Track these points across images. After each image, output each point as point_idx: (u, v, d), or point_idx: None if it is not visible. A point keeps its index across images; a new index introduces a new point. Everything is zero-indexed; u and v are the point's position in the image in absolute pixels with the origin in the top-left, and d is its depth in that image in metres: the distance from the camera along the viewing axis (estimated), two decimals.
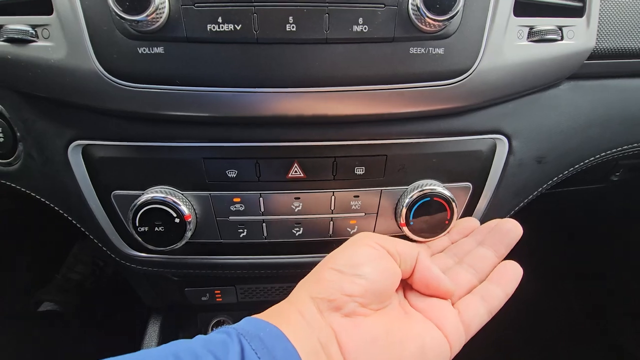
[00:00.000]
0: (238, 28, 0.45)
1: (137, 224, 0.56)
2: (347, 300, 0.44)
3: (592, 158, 0.65)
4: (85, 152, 0.56)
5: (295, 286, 0.48)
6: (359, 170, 0.57)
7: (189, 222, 0.56)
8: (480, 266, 0.52)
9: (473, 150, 0.58)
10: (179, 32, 0.45)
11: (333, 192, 0.59)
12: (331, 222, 0.61)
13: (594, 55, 0.56)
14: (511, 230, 0.53)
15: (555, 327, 1.49)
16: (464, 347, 0.47)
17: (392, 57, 0.48)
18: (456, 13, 0.44)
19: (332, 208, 0.60)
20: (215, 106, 0.49)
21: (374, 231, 0.63)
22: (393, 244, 0.48)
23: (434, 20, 0.44)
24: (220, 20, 0.44)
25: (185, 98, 0.49)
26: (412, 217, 0.59)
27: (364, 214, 0.61)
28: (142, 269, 0.68)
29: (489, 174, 0.61)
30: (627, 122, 0.63)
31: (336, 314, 0.44)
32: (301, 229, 0.61)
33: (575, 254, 1.55)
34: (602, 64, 0.58)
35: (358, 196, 0.59)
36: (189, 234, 0.57)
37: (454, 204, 0.58)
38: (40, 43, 0.48)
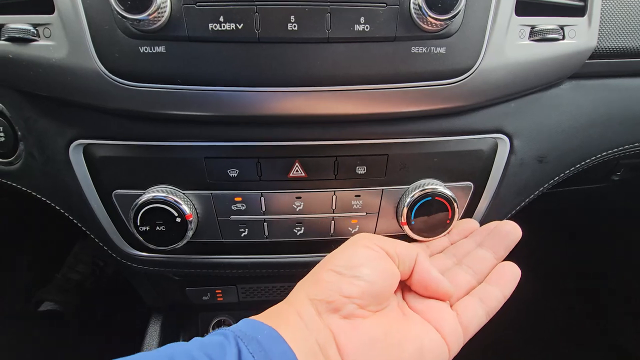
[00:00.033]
0: (240, 27, 0.45)
1: (139, 224, 0.56)
2: (346, 301, 0.43)
3: (594, 157, 0.65)
4: (87, 151, 0.56)
5: (296, 286, 0.48)
6: (360, 170, 0.57)
7: (190, 222, 0.56)
8: (479, 267, 0.52)
9: (474, 149, 0.58)
10: (180, 31, 0.45)
11: (334, 191, 0.59)
12: (332, 222, 0.61)
13: (596, 54, 0.56)
14: (510, 232, 0.54)
15: (556, 327, 1.49)
16: (462, 348, 0.47)
17: (393, 57, 0.48)
18: (458, 12, 0.44)
19: (334, 207, 0.60)
20: (217, 105, 0.49)
21: (375, 230, 0.63)
22: (392, 245, 0.48)
23: (436, 19, 0.44)
24: (221, 19, 0.44)
25: (186, 97, 0.49)
26: (414, 217, 0.59)
27: (365, 213, 0.61)
28: (144, 268, 0.68)
29: (490, 173, 0.61)
30: (628, 122, 0.63)
31: (335, 316, 0.44)
32: (302, 228, 0.61)
33: (576, 253, 1.55)
34: (603, 63, 0.58)
35: (359, 195, 0.59)
36: (190, 233, 0.57)
37: (455, 203, 0.58)
38: (41, 42, 0.48)
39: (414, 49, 0.48)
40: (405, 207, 0.58)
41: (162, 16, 0.44)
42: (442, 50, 0.48)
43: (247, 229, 0.61)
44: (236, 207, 0.59)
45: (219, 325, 0.93)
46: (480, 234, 0.57)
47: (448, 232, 0.60)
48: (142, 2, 0.42)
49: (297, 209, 0.59)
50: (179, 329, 0.94)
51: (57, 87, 0.50)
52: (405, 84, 0.50)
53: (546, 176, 0.65)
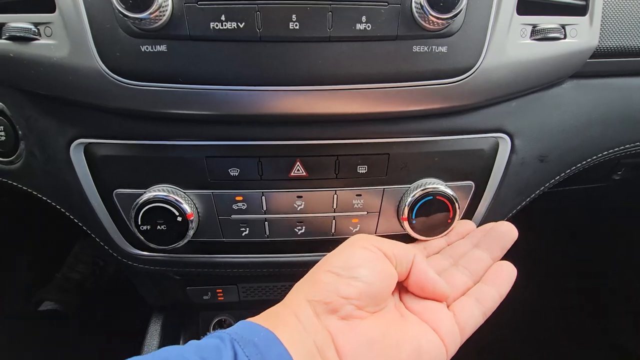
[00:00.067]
0: (241, 26, 0.45)
1: (140, 223, 0.56)
2: (344, 302, 0.43)
3: (594, 157, 0.65)
4: (88, 150, 0.56)
5: (293, 287, 0.48)
6: (362, 169, 0.57)
7: (191, 221, 0.56)
8: (475, 268, 0.53)
9: (475, 148, 0.58)
10: (182, 30, 0.45)
11: (335, 190, 0.59)
12: (333, 221, 0.61)
13: (597, 53, 0.56)
14: (506, 232, 0.54)
15: (556, 327, 1.49)
16: (460, 348, 0.47)
17: (395, 56, 0.48)
18: (459, 11, 0.44)
19: (335, 207, 0.60)
20: (218, 104, 0.49)
21: (376, 230, 0.63)
22: (390, 246, 0.48)
23: (438, 18, 0.44)
24: (223, 18, 0.44)
25: (187, 96, 0.49)
26: (415, 216, 0.59)
27: (366, 212, 0.61)
28: (144, 267, 0.68)
29: (491, 172, 0.61)
30: (629, 121, 0.63)
31: (332, 317, 0.44)
32: (303, 227, 0.61)
33: (577, 253, 1.55)
34: (604, 62, 0.58)
35: (360, 195, 0.59)
36: (191, 232, 0.57)
37: (456, 202, 0.58)
38: (42, 41, 0.48)
39: (416, 48, 0.48)
40: (406, 207, 0.58)
41: (164, 15, 0.44)
42: (444, 49, 0.48)
43: (248, 228, 0.61)
44: (237, 206, 0.59)
45: (219, 324, 0.93)
46: (476, 235, 0.58)
47: (449, 232, 0.60)
48: (144, 1, 0.42)
49: (298, 208, 0.59)
50: (179, 329, 0.94)
51: (58, 86, 0.50)
52: (406, 83, 0.50)
53: (547, 175, 0.65)
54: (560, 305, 1.55)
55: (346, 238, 0.51)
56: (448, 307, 0.49)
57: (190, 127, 0.54)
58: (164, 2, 0.43)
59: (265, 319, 0.44)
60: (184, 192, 0.57)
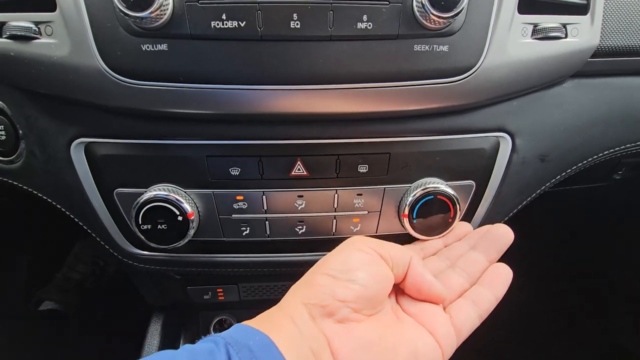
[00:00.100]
0: (242, 25, 0.45)
1: (140, 222, 0.56)
2: (340, 305, 0.43)
3: (595, 156, 0.65)
4: (88, 149, 0.56)
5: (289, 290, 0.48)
6: (362, 168, 0.57)
7: (192, 220, 0.56)
8: (472, 270, 0.53)
9: (476, 148, 0.58)
10: (182, 29, 0.45)
11: (336, 190, 0.58)
12: (334, 220, 0.61)
13: (598, 53, 0.56)
14: (503, 235, 0.54)
15: (556, 326, 1.49)
16: (458, 349, 0.47)
17: (396, 55, 0.48)
18: (461, 10, 0.44)
19: (335, 206, 0.60)
20: (219, 103, 0.49)
21: (376, 229, 0.63)
22: (386, 249, 0.48)
23: (439, 17, 0.44)
24: (224, 17, 0.44)
25: (188, 95, 0.49)
26: (415, 216, 0.59)
27: (367, 212, 0.61)
28: (145, 267, 0.68)
29: (492, 172, 0.61)
30: (629, 120, 0.63)
31: (329, 320, 0.43)
32: (304, 227, 0.61)
33: (577, 252, 1.55)
34: (605, 61, 0.58)
35: (361, 194, 0.59)
36: (191, 232, 0.57)
37: (457, 202, 0.58)
38: (43, 40, 0.48)
39: (417, 47, 0.48)
40: (407, 206, 0.58)
41: (165, 14, 0.44)
42: (445, 48, 0.48)
43: (248, 228, 0.61)
44: (238, 205, 0.59)
45: (220, 324, 0.93)
46: (473, 237, 0.58)
47: (449, 231, 0.60)
48: None
49: (299, 208, 0.59)
50: (180, 328, 0.94)
51: (59, 85, 0.50)
52: (407, 83, 0.49)
53: (548, 175, 0.65)
54: (560, 306, 1.55)
55: (347, 237, 0.51)
56: (444, 309, 0.49)
57: (191, 127, 0.54)
58: (165, 1, 0.43)
59: (260, 323, 0.43)
60: (185, 192, 0.57)
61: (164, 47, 0.46)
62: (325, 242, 0.63)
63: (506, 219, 0.68)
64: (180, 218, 0.55)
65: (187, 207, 0.55)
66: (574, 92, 0.60)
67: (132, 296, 0.95)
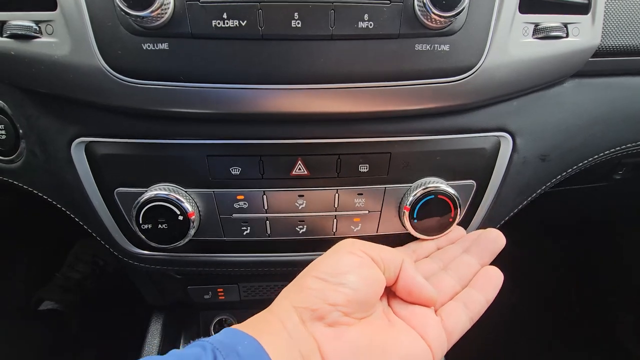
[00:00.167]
0: (243, 24, 0.45)
1: (141, 222, 0.56)
2: (331, 309, 0.43)
3: (596, 156, 0.65)
4: (89, 149, 0.56)
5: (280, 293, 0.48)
6: (363, 168, 0.57)
7: (193, 220, 0.56)
8: (464, 272, 0.53)
9: (477, 147, 0.58)
10: (183, 28, 0.45)
11: (337, 189, 0.58)
12: (335, 220, 0.61)
13: (599, 52, 0.56)
14: (495, 239, 0.55)
15: (556, 326, 1.49)
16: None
17: (397, 54, 0.48)
18: (462, 9, 0.44)
19: (336, 206, 0.60)
20: (219, 103, 0.49)
21: (377, 229, 0.63)
22: (377, 251, 0.48)
23: (440, 16, 0.44)
24: (225, 16, 0.44)
25: (189, 95, 0.49)
26: (416, 215, 0.59)
27: (367, 211, 0.61)
28: (145, 266, 0.68)
29: (493, 171, 0.61)
30: (630, 120, 0.63)
31: (319, 324, 0.43)
32: (305, 226, 0.61)
33: (577, 252, 1.55)
34: (606, 61, 0.58)
35: (362, 194, 0.59)
36: (192, 231, 0.57)
37: (457, 201, 0.58)
38: (43, 39, 0.48)
39: (418, 47, 0.48)
40: (407, 206, 0.58)
41: (165, 13, 0.44)
42: (446, 47, 0.48)
43: (249, 227, 0.61)
44: (238, 205, 0.59)
45: (220, 323, 0.92)
46: (466, 240, 0.58)
47: (448, 232, 0.61)
48: None
49: (300, 208, 0.59)
50: (180, 328, 0.94)
51: (59, 85, 0.50)
52: (408, 82, 0.49)
53: (548, 175, 0.65)
54: (559, 306, 1.55)
55: (348, 237, 0.51)
56: (436, 311, 0.49)
57: (192, 126, 0.54)
58: (166, 0, 0.43)
59: (250, 326, 0.43)
60: (185, 191, 0.57)
61: (164, 46, 0.46)
62: (325, 241, 0.63)
63: (507, 218, 0.68)
64: (180, 217, 0.55)
65: (188, 206, 0.55)
66: (574, 91, 0.60)
67: (132, 296, 0.95)
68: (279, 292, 0.47)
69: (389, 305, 0.51)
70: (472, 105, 0.54)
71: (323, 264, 0.47)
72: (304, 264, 0.59)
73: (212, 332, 0.92)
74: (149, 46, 0.46)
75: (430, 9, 0.44)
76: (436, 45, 0.48)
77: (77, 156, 0.56)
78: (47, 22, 0.48)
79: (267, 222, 0.60)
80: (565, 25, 0.53)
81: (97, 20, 0.46)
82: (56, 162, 0.57)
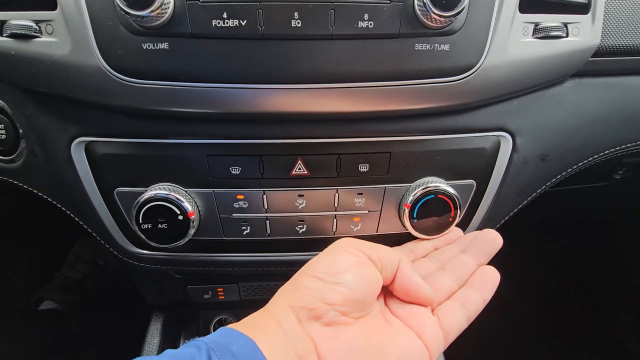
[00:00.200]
0: (243, 24, 0.45)
1: (141, 221, 0.56)
2: (328, 308, 0.43)
3: (596, 156, 0.65)
4: (89, 148, 0.56)
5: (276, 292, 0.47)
6: (363, 168, 0.57)
7: (192, 220, 0.56)
8: (461, 272, 0.53)
9: (477, 147, 0.58)
10: (183, 28, 0.45)
11: (337, 189, 0.58)
12: (335, 220, 0.61)
13: (599, 52, 0.56)
14: (492, 240, 0.55)
15: (556, 326, 1.49)
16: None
17: (397, 54, 0.48)
18: (462, 9, 0.44)
19: (336, 205, 0.60)
20: (219, 102, 0.49)
21: (377, 229, 0.63)
22: (375, 250, 0.48)
23: (440, 16, 0.44)
24: (225, 15, 0.44)
25: (189, 94, 0.49)
26: (416, 215, 0.59)
27: (367, 211, 0.61)
28: (145, 266, 0.68)
29: (492, 171, 0.61)
30: (630, 120, 0.63)
31: (316, 323, 0.43)
32: (305, 226, 0.61)
33: (577, 252, 1.55)
34: (606, 61, 0.58)
35: (362, 193, 0.59)
36: (192, 231, 0.57)
37: (457, 201, 0.58)
38: (43, 39, 0.48)
39: (418, 46, 0.48)
40: (408, 203, 0.58)
41: (165, 12, 0.44)
42: (446, 47, 0.48)
43: (249, 227, 0.61)
44: (238, 205, 0.59)
45: (220, 323, 0.92)
46: (463, 241, 0.58)
47: (447, 232, 0.61)
48: None
49: (300, 207, 0.59)
50: (180, 328, 0.94)
51: (59, 84, 0.50)
52: (408, 82, 0.49)
53: (548, 174, 0.65)
54: (559, 306, 1.55)
55: (348, 237, 0.51)
56: (433, 311, 0.49)
57: (192, 126, 0.54)
58: None
59: (246, 326, 0.43)
60: (185, 191, 0.57)
61: (164, 45, 0.46)
62: (325, 241, 0.62)
63: (507, 218, 0.68)
64: (180, 217, 0.55)
65: (188, 206, 0.55)
66: (574, 91, 0.60)
67: (132, 296, 0.95)
68: None
69: (385, 304, 0.51)
70: (472, 105, 0.54)
71: (320, 263, 0.47)
72: (304, 263, 0.59)
73: (212, 332, 0.92)
74: (149, 46, 0.46)
75: (430, 9, 0.44)
76: (436, 45, 0.48)
77: (77, 156, 0.56)
78: (47, 22, 0.48)
79: (267, 221, 0.60)
80: (565, 25, 0.53)
81: (97, 20, 0.46)
82: (56, 161, 0.57)
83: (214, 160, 0.55)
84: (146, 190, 0.56)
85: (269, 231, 0.61)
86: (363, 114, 0.52)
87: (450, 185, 0.58)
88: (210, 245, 0.64)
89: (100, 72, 0.47)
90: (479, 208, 0.64)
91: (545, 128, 0.60)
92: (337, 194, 0.59)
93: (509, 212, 0.68)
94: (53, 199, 0.63)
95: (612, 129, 0.63)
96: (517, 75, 0.52)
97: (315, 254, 0.65)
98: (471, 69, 0.50)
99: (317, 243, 0.63)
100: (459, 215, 0.60)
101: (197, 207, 0.58)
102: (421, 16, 0.45)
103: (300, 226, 0.61)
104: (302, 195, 0.58)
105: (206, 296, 0.82)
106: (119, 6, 0.42)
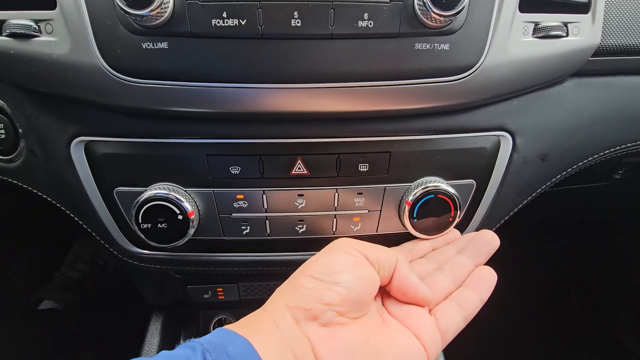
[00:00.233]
0: (243, 23, 0.45)
1: (140, 221, 0.56)
2: (325, 309, 0.43)
3: (596, 155, 0.65)
4: (88, 148, 0.56)
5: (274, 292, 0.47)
6: (363, 167, 0.57)
7: (192, 219, 0.56)
8: (458, 273, 0.53)
9: (477, 147, 0.58)
10: (183, 27, 0.45)
11: (336, 189, 0.58)
12: (334, 219, 0.61)
13: (599, 52, 0.56)
14: (489, 241, 0.55)
15: (556, 326, 1.49)
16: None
17: (397, 53, 0.48)
18: (462, 8, 0.44)
19: (336, 205, 0.60)
20: (219, 102, 0.49)
21: (377, 229, 0.63)
22: (372, 251, 0.48)
23: (440, 15, 0.44)
24: (225, 15, 0.44)
25: (189, 94, 0.48)
26: (416, 215, 0.59)
27: (367, 211, 0.61)
28: (145, 266, 0.68)
29: (492, 171, 0.61)
30: (630, 120, 0.63)
31: (313, 324, 0.43)
32: (304, 226, 0.61)
33: (577, 252, 1.55)
34: (606, 61, 0.58)
35: (361, 193, 0.59)
36: (191, 230, 0.57)
37: (457, 201, 0.58)
38: (43, 38, 0.48)
39: (418, 46, 0.48)
40: (407, 205, 0.58)
41: (165, 12, 0.44)
42: (446, 46, 0.48)
43: (248, 227, 0.61)
44: (238, 204, 0.58)
45: (220, 323, 0.92)
46: (461, 241, 0.58)
47: (447, 232, 0.61)
48: None
49: (299, 207, 0.59)
50: (180, 327, 0.94)
51: (59, 84, 0.50)
52: (408, 81, 0.49)
53: (548, 174, 0.65)
54: (559, 306, 1.55)
55: (348, 236, 0.50)
56: (430, 311, 0.49)
57: (191, 125, 0.54)
58: None
59: (243, 326, 0.43)
60: (185, 190, 0.57)
61: (164, 45, 0.46)
62: (325, 241, 0.62)
63: (506, 217, 0.68)
64: (180, 217, 0.55)
65: (187, 206, 0.55)
66: (574, 91, 0.60)
67: (131, 295, 0.95)
68: None
69: (383, 305, 0.51)
70: (472, 104, 0.54)
71: (317, 263, 0.47)
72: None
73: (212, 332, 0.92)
74: (148, 45, 0.46)
75: (430, 8, 0.44)
76: (436, 45, 0.48)
77: (76, 155, 0.56)
78: (47, 21, 0.48)
79: (267, 221, 0.60)
80: (566, 24, 0.52)
81: (96, 19, 0.46)
82: (56, 161, 0.57)
83: (213, 160, 0.55)
84: (146, 190, 0.56)
85: (268, 231, 0.61)
86: (363, 114, 0.52)
87: (450, 185, 0.58)
88: (209, 245, 0.63)
89: (100, 72, 0.47)
90: (479, 208, 0.64)
91: (545, 128, 0.60)
92: (336, 194, 0.59)
93: (509, 211, 0.68)
94: (52, 198, 0.63)
95: (612, 129, 0.63)
96: (517, 74, 0.52)
97: (315, 254, 0.65)
98: (471, 68, 0.50)
99: (317, 243, 0.63)
100: (459, 215, 0.60)
101: (197, 206, 0.58)
102: (421, 16, 0.45)
103: (300, 226, 0.61)
104: (302, 195, 0.58)
105: (206, 296, 0.82)
106: (119, 5, 0.42)
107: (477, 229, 0.66)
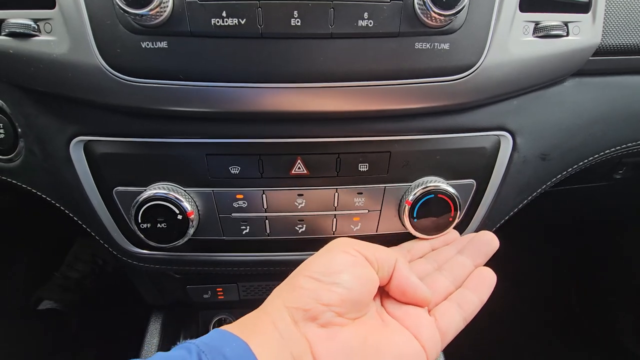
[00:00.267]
0: (242, 22, 0.45)
1: (140, 221, 0.55)
2: (324, 309, 0.43)
3: (596, 155, 0.65)
4: (88, 148, 0.55)
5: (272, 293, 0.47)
6: (363, 167, 0.57)
7: (192, 219, 0.56)
8: (458, 273, 0.53)
9: (477, 147, 0.58)
10: (182, 27, 0.45)
11: (336, 189, 0.58)
12: (334, 219, 0.61)
13: (599, 51, 0.56)
14: (489, 242, 0.55)
15: (556, 326, 1.49)
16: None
17: (397, 53, 0.48)
18: (462, 8, 0.44)
19: (335, 205, 0.60)
20: (219, 101, 0.49)
21: (377, 228, 0.63)
22: (371, 251, 0.48)
23: (440, 15, 0.44)
24: (224, 14, 0.44)
25: (188, 93, 0.48)
26: (416, 214, 0.58)
27: (367, 210, 0.61)
28: (144, 266, 0.68)
29: (493, 171, 0.61)
30: (631, 119, 0.63)
31: (312, 324, 0.43)
32: (304, 225, 0.61)
33: (577, 251, 1.55)
34: (607, 60, 0.58)
35: (361, 193, 0.59)
36: (191, 230, 0.57)
37: (457, 201, 0.58)
38: (42, 37, 0.48)
39: (418, 45, 0.48)
40: (407, 205, 0.58)
41: (165, 11, 0.44)
42: (446, 46, 0.48)
43: (248, 227, 0.61)
44: (238, 204, 0.58)
45: (219, 323, 0.92)
46: (461, 242, 0.58)
47: (447, 232, 0.61)
48: None
49: (299, 207, 0.59)
50: (179, 327, 0.94)
51: (58, 83, 0.50)
52: (408, 81, 0.49)
53: (549, 174, 0.65)
54: (559, 306, 1.55)
55: (348, 236, 0.50)
56: (429, 311, 0.49)
57: (191, 125, 0.53)
58: None
59: (241, 327, 0.42)
60: (184, 190, 0.57)
61: (163, 44, 0.46)
62: (325, 241, 0.62)
63: (506, 217, 0.68)
64: (179, 217, 0.55)
65: (187, 205, 0.55)
66: (574, 90, 0.59)
67: (131, 295, 0.95)
68: None
69: (382, 305, 0.51)
70: (472, 104, 0.54)
71: (316, 263, 0.46)
72: None
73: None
74: (147, 44, 0.46)
75: (430, 8, 0.44)
76: (436, 44, 0.48)
77: (75, 155, 0.56)
78: (46, 21, 0.47)
79: (267, 221, 0.60)
80: (566, 24, 0.52)
81: (95, 19, 0.46)
82: (55, 161, 0.57)
83: (213, 160, 0.55)
84: (145, 190, 0.55)
85: (268, 231, 0.61)
86: (363, 113, 0.52)
87: (450, 185, 0.58)
88: (209, 244, 0.63)
89: (99, 71, 0.47)
90: (479, 207, 0.64)
91: (545, 127, 0.60)
92: (336, 194, 0.59)
93: (509, 211, 0.67)
94: (52, 198, 0.63)
95: (613, 129, 0.63)
96: (517, 74, 0.52)
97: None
98: (471, 68, 0.50)
99: (317, 243, 0.63)
100: (459, 215, 0.59)
101: (197, 206, 0.58)
102: (421, 15, 0.45)
103: (300, 226, 0.61)
104: (302, 195, 0.58)
105: (205, 296, 0.82)
106: (118, 5, 0.42)
107: (477, 229, 0.66)
